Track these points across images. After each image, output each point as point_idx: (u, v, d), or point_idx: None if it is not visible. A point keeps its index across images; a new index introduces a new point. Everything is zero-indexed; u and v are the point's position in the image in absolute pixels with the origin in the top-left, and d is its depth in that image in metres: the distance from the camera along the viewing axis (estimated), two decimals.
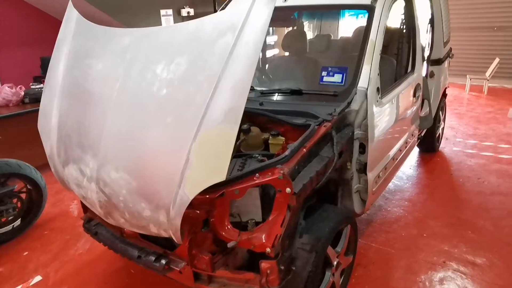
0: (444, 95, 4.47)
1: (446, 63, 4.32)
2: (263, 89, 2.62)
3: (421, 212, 3.21)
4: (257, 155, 2.04)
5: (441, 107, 4.37)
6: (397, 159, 2.89)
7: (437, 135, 4.37)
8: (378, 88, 2.34)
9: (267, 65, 3.61)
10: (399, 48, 3.24)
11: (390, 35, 3.02)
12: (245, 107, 2.41)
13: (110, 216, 1.79)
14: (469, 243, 2.78)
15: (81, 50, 1.97)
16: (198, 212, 1.65)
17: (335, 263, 2.05)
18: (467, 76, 7.58)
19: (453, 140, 4.93)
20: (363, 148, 2.30)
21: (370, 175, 2.36)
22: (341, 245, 2.12)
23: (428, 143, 4.30)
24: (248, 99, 2.55)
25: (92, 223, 2.20)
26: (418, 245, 2.78)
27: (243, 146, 2.23)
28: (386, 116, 2.50)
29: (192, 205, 1.55)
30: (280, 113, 2.24)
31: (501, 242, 2.78)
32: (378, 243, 2.81)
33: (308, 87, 2.54)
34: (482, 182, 3.73)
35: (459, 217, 3.12)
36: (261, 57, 3.69)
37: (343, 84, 2.36)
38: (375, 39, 2.36)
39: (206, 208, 1.66)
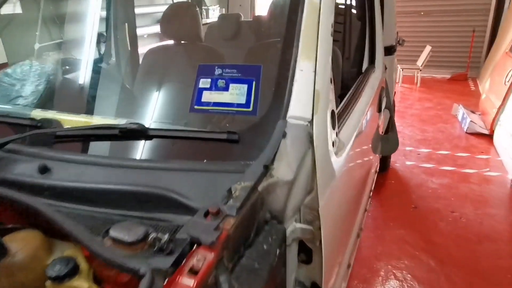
0: (394, 93, 3.39)
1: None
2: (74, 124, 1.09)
3: None
4: None
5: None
6: (361, 229, 1.63)
7: None
8: (333, 113, 1.02)
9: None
10: (345, 31, 2.02)
11: None
12: None
13: None
14: None
15: None
16: None
17: None
18: (399, 66, 6.79)
19: (403, 149, 3.90)
20: (308, 255, 0.97)
21: None
22: None
23: (380, 161, 3.18)
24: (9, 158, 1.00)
25: None
26: None
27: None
28: (348, 169, 1.19)
29: None
30: (88, 198, 0.81)
31: None
32: None
33: (174, 118, 1.11)
34: (459, 218, 2.68)
35: None
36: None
37: (250, 109, 0.98)
38: (319, 2, 1.03)
39: None
